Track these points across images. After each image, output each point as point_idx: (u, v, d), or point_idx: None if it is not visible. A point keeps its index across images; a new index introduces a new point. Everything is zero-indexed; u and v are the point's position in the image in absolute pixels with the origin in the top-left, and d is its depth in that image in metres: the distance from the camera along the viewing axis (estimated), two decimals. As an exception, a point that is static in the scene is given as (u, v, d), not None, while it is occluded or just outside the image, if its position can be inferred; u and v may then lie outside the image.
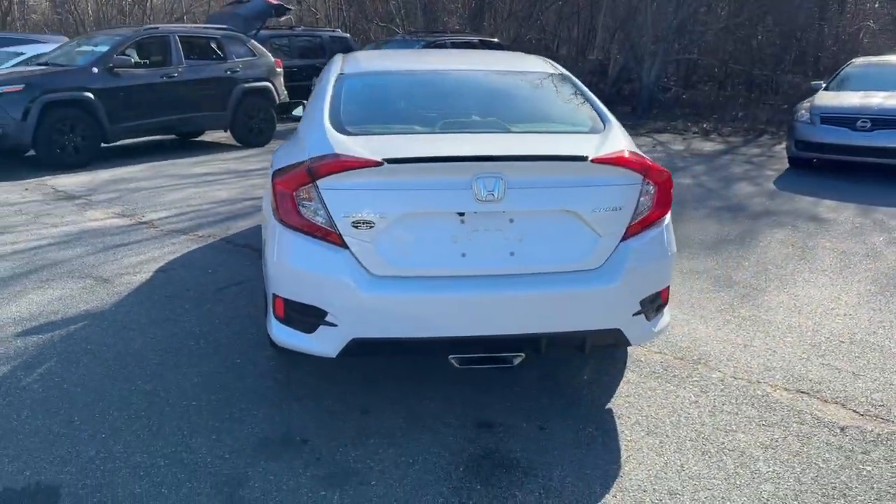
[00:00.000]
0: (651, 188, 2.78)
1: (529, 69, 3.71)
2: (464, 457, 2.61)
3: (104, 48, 9.35)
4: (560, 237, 2.65)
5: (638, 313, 2.74)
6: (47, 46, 11.29)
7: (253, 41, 10.93)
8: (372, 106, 3.29)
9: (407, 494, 2.40)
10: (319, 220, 2.58)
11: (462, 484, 2.45)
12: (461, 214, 2.58)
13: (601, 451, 2.66)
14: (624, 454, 2.65)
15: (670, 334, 3.70)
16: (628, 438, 2.76)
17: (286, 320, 2.71)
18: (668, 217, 2.89)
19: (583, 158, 2.62)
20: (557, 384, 3.17)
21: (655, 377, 3.26)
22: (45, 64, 9.44)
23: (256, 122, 10.88)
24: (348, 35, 16.39)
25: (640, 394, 3.10)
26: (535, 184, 2.61)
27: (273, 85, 11.03)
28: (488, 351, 2.66)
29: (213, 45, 10.52)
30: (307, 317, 2.64)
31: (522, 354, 2.69)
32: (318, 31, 16.12)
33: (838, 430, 2.83)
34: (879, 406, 3.02)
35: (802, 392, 3.14)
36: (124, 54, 9.38)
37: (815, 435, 2.79)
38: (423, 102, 3.38)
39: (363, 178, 2.56)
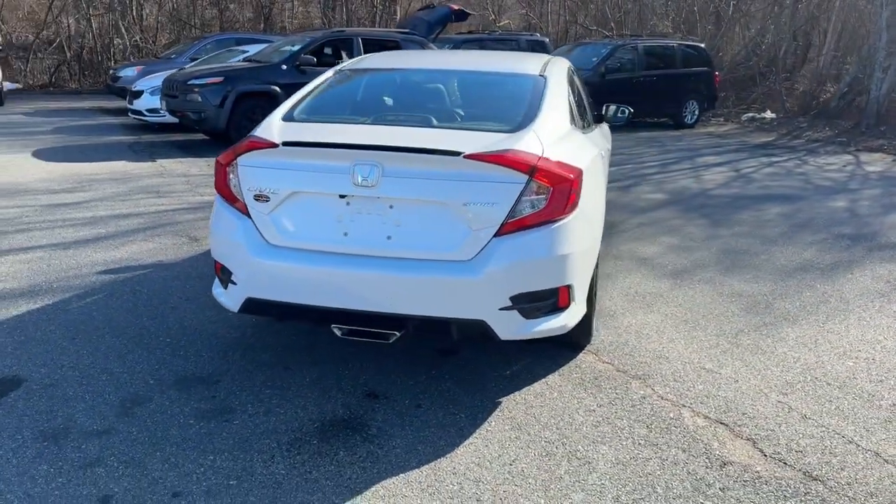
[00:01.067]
0: (544, 189, 2.80)
1: (517, 71, 3.78)
2: (329, 417, 2.87)
3: (296, 48, 10.66)
4: (433, 226, 2.79)
5: (508, 309, 2.78)
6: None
7: (430, 44, 11.67)
8: (336, 98, 3.63)
9: (249, 432, 2.74)
10: (234, 191, 3.00)
11: (304, 437, 2.72)
12: (343, 197, 2.84)
13: (450, 435, 2.76)
14: (469, 441, 2.72)
15: (636, 347, 3.58)
16: (488, 429, 2.82)
17: (218, 278, 3.18)
18: (567, 219, 2.86)
19: (455, 154, 2.74)
20: (477, 374, 3.27)
21: (579, 383, 3.22)
22: (248, 60, 11.00)
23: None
24: (547, 39, 16.59)
25: (547, 395, 3.10)
26: (411, 174, 2.78)
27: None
28: (364, 325, 2.88)
29: (393, 47, 11.41)
30: (223, 275, 3.08)
31: (397, 333, 2.88)
32: (517, 34, 16.53)
33: (717, 465, 2.62)
34: (795, 451, 2.72)
35: (721, 423, 2.91)
36: (312, 54, 10.58)
37: (685, 463, 2.62)
38: (383, 97, 3.65)
39: (266, 158, 2.93)
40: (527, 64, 3.84)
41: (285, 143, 2.88)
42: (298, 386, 3.12)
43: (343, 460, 2.58)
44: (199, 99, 9.89)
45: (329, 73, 3.89)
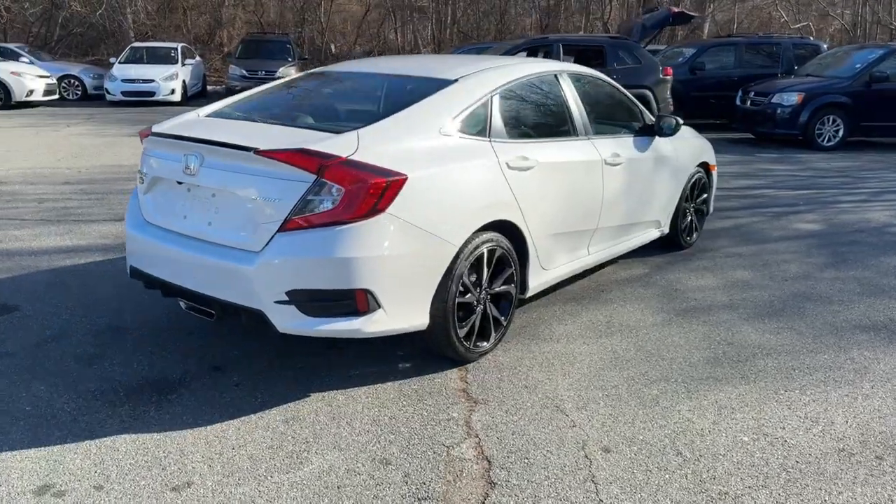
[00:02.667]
0: (337, 190, 2.83)
1: (432, 75, 3.67)
2: (164, 379, 3.23)
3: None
4: (237, 217, 2.99)
5: (285, 303, 2.87)
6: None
7: (641, 49, 11.13)
8: (266, 97, 3.91)
9: (103, 377, 3.21)
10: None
11: (133, 391, 3.12)
12: (181, 183, 3.18)
13: (223, 404, 2.94)
14: (241, 424, 2.88)
15: (501, 363, 3.34)
16: (270, 419, 2.94)
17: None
18: (365, 222, 2.83)
19: (249, 149, 2.90)
20: (325, 370, 3.36)
21: (398, 393, 3.14)
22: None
23: (627, 127, 11.11)
24: (821, 42, 14.54)
25: (357, 402, 3.09)
26: (222, 166, 3.01)
27: (652, 93, 11.06)
28: (193, 302, 3.20)
29: (597, 53, 11.15)
30: (128, 246, 3.62)
31: (213, 312, 3.14)
32: (782, 37, 14.76)
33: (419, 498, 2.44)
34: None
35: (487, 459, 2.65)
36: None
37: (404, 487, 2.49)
38: (298, 98, 3.84)
39: (147, 145, 3.39)
40: (457, 69, 3.73)
41: (152, 133, 3.30)
42: (168, 350, 3.52)
43: (146, 414, 2.91)
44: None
45: (295, 76, 4.21)
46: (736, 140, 12.58)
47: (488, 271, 3.41)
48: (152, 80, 17.06)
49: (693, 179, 5.32)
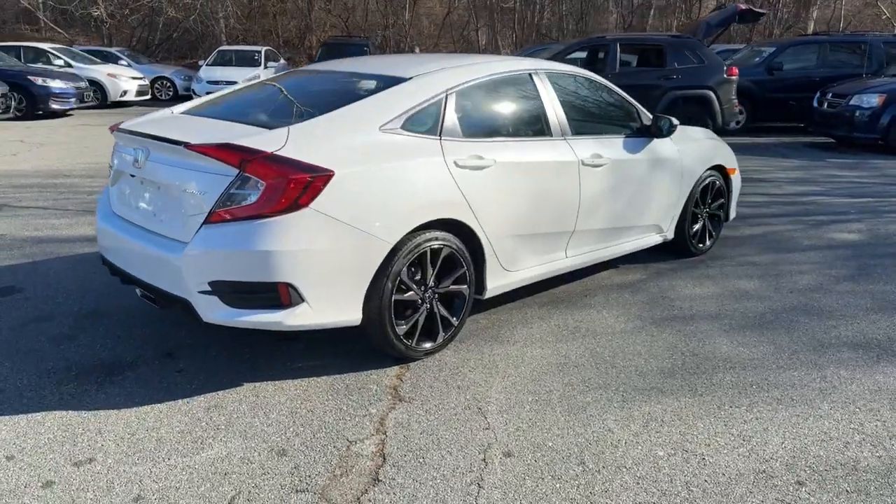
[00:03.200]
0: (259, 183, 2.91)
1: (389, 73, 3.68)
2: (116, 362, 3.41)
3: (550, 56, 10.90)
4: (174, 208, 3.11)
5: (208, 293, 2.97)
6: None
7: (705, 48, 10.71)
8: (242, 96, 4.02)
9: (61, 355, 3.43)
10: (111, 163, 3.73)
11: (86, 371, 3.32)
12: (133, 176, 3.35)
13: (159, 388, 3.07)
14: (160, 394, 3.01)
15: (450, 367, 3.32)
16: (192, 409, 3.05)
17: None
18: (287, 216, 2.88)
19: (180, 143, 3.02)
20: (271, 350, 3.45)
21: (342, 389, 3.19)
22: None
23: (686, 130, 10.72)
24: (918, 41, 13.48)
25: (293, 401, 3.16)
26: (162, 160, 3.15)
27: (715, 94, 10.63)
28: (143, 289, 3.35)
29: (657, 53, 10.82)
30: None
31: (157, 300, 3.28)
32: (871, 34, 13.78)
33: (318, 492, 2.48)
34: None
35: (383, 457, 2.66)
36: (566, 61, 10.71)
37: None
38: (261, 97, 3.94)
39: (116, 140, 3.59)
40: (417, 68, 3.72)
41: (118, 129, 3.48)
42: (133, 335, 3.69)
43: (86, 393, 3.08)
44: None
45: (277, 75, 4.32)
46: (813, 144, 11.88)
47: (433, 270, 3.39)
48: (235, 82, 17.81)
49: (705, 183, 5.08)
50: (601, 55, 10.86)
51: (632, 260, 5.14)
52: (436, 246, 3.35)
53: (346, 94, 3.62)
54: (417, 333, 3.41)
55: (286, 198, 2.89)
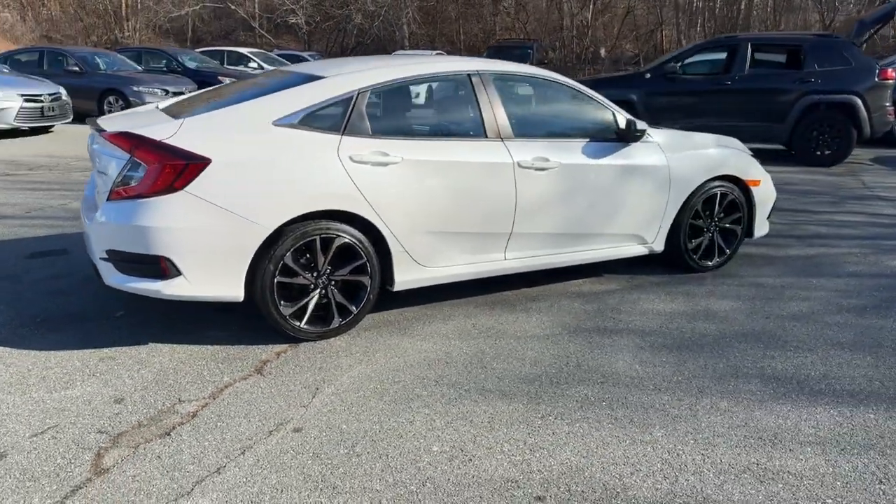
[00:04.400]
0: (143, 167, 3.37)
1: (322, 73, 3.88)
2: (73, 312, 4.06)
3: (671, 55, 10.41)
4: (102, 189, 3.65)
5: (105, 260, 3.46)
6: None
7: (854, 48, 9.60)
8: (211, 93, 4.47)
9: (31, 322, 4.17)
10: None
11: (41, 315, 4.01)
12: (93, 164, 3.95)
13: (79, 337, 3.63)
14: (74, 341, 3.57)
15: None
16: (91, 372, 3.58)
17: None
18: (164, 197, 3.27)
19: (102, 130, 3.55)
20: (206, 317, 3.90)
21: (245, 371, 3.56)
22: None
23: (825, 139, 9.75)
24: None
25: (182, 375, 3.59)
26: (100, 149, 3.67)
27: (863, 99, 9.52)
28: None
29: (794, 53, 9.90)
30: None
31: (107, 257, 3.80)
32: None
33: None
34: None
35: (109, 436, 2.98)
36: (693, 61, 10.21)
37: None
38: (226, 91, 4.31)
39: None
40: (341, 68, 3.93)
41: (93, 126, 4.11)
42: (113, 294, 4.31)
43: (36, 335, 3.77)
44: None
45: (263, 72, 4.76)
46: None
47: (325, 258, 3.61)
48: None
49: (708, 195, 4.72)
50: (729, 56, 10.11)
51: (622, 270, 4.92)
52: (327, 235, 3.57)
53: (269, 90, 3.93)
54: (307, 316, 3.64)
55: (162, 180, 3.29)
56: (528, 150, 4.09)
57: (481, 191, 3.96)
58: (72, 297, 4.25)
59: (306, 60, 21.27)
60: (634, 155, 4.43)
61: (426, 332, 3.84)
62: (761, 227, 5.12)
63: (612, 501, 2.41)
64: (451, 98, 4.07)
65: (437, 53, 19.68)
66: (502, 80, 4.21)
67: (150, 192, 3.30)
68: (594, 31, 25.01)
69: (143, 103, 12.32)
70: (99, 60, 15.38)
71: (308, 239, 3.54)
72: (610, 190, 4.36)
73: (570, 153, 4.23)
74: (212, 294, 3.46)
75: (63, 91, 12.45)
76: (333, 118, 3.67)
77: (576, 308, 4.23)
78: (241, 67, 18.61)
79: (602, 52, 25.60)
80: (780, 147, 10.51)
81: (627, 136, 4.38)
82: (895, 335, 3.85)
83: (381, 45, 24.68)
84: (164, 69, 16.51)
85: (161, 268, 3.36)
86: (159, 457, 2.64)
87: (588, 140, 4.34)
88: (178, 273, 3.37)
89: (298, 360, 3.48)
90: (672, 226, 4.70)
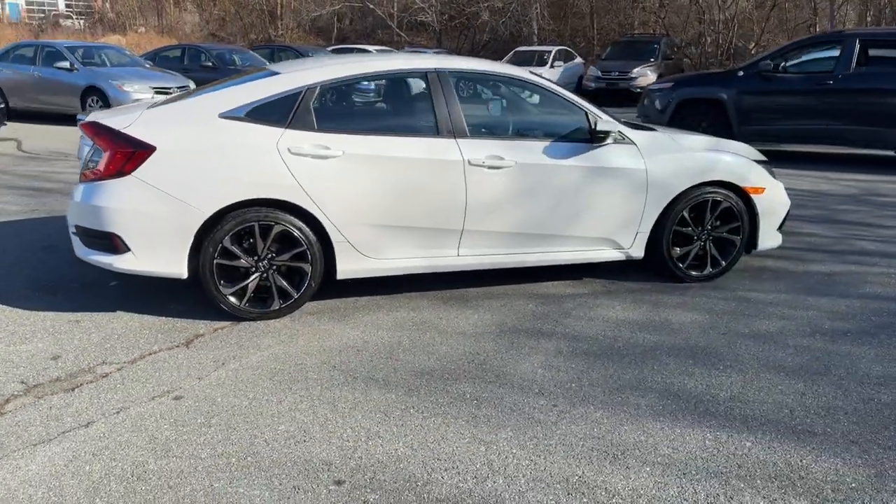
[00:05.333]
0: (101, 153, 3.79)
1: (275, 70, 4.13)
2: (64, 280, 4.61)
3: (767, 53, 9.74)
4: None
5: (75, 234, 3.92)
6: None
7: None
8: (199, 90, 4.82)
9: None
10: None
11: (43, 282, 4.60)
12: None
13: (58, 299, 4.15)
14: (46, 301, 4.08)
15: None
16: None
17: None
18: (114, 181, 3.65)
19: (77, 121, 4.02)
20: (174, 289, 4.31)
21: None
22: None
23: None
24: None
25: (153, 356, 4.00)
26: (84, 136, 4.19)
27: None
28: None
29: (906, 48, 8.93)
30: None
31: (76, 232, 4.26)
32: None
33: (19, 380, 3.31)
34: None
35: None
36: (794, 60, 9.53)
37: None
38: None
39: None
40: (302, 64, 4.15)
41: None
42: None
43: (31, 297, 4.37)
44: (646, 103, 10.38)
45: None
46: None
47: (264, 244, 3.86)
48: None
49: (697, 201, 4.48)
50: (833, 53, 9.25)
51: (604, 274, 4.78)
52: (266, 223, 3.82)
53: (232, 85, 4.22)
54: (247, 297, 3.91)
55: (114, 165, 3.68)
56: (483, 149, 4.10)
57: (428, 187, 4.03)
58: (81, 267, 4.78)
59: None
60: (605, 156, 4.30)
61: (362, 321, 3.98)
62: (768, 239, 4.75)
63: (403, 493, 2.45)
64: (404, 95, 4.17)
65: (437, 52, 19.45)
66: (465, 79, 4.25)
67: (106, 175, 3.70)
68: (740, 26, 23.55)
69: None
70: (235, 57, 16.73)
71: (247, 225, 3.80)
72: (575, 191, 4.27)
73: (530, 153, 4.18)
74: (157, 270, 3.82)
75: (192, 84, 13.67)
76: (280, 112, 3.90)
77: (527, 309, 4.18)
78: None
79: (751, 47, 24.05)
80: (890, 154, 9.50)
81: (594, 138, 4.25)
82: (853, 364, 3.49)
83: (511, 42, 24.72)
84: (198, 67, 17.59)
85: (114, 244, 3.76)
86: (51, 408, 3.00)
87: (553, 140, 4.26)
88: (127, 249, 3.75)
89: (227, 337, 3.75)
90: (653, 232, 4.49)
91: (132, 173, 3.67)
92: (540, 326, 3.93)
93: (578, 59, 21.61)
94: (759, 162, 4.80)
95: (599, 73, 18.36)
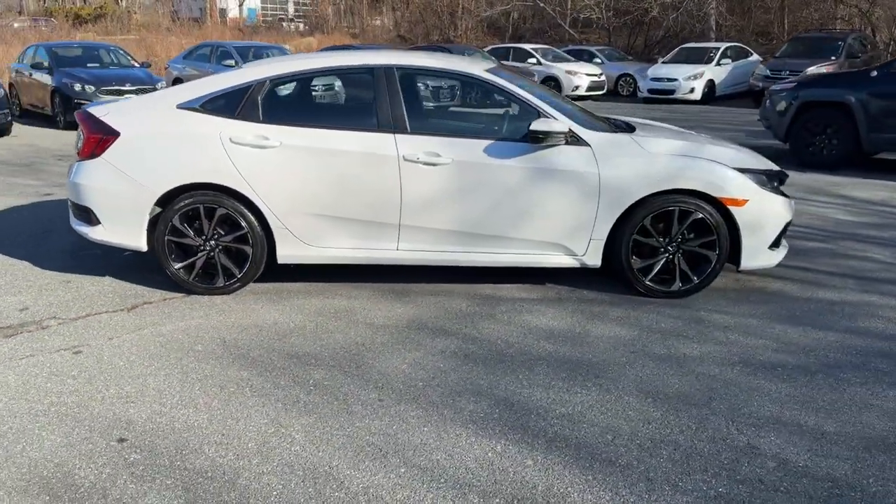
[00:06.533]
0: (83, 137, 4.38)
1: (243, 66, 4.44)
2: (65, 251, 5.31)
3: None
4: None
5: (69, 208, 4.56)
6: None
7: None
8: None
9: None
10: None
11: (62, 251, 5.34)
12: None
13: (64, 259, 4.84)
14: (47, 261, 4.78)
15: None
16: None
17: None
18: (88, 161, 4.21)
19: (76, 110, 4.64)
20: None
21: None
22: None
23: None
24: None
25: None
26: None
27: None
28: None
29: None
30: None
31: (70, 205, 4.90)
32: None
33: None
34: None
35: (35, 329, 3.91)
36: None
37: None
38: None
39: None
40: (265, 60, 4.44)
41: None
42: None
43: (55, 251, 5.15)
44: (767, 105, 9.50)
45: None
46: None
47: (209, 224, 4.23)
48: (675, 80, 17.95)
49: (660, 210, 4.16)
50: None
51: (569, 282, 4.57)
52: (210, 205, 4.18)
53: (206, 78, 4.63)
54: (195, 272, 4.30)
55: (88, 148, 4.24)
56: (420, 145, 4.13)
57: (363, 180, 4.15)
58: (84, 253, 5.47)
59: (594, 55, 21.33)
60: (553, 158, 4.13)
61: (291, 305, 4.20)
62: (755, 257, 4.26)
63: (162, 457, 2.64)
64: (350, 90, 4.31)
65: (471, 52, 18.38)
66: (414, 76, 4.30)
67: (84, 157, 4.27)
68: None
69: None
70: (268, 54, 17.42)
71: (194, 206, 4.18)
72: (519, 193, 4.15)
73: (469, 151, 4.13)
74: (121, 242, 4.32)
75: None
76: (230, 104, 4.23)
77: (455, 308, 4.15)
78: (518, 63, 19.49)
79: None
80: None
81: (531, 138, 4.08)
82: (745, 402, 3.09)
83: (686, 39, 23.39)
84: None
85: (90, 217, 4.32)
86: (-20, 348, 3.57)
87: (497, 139, 4.17)
88: (98, 222, 4.29)
89: (168, 306, 4.16)
90: (609, 240, 4.23)
91: (101, 155, 4.19)
92: (451, 326, 3.90)
93: (754, 57, 19.92)
94: (766, 172, 4.31)
95: (768, 72, 16.81)
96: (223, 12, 49.98)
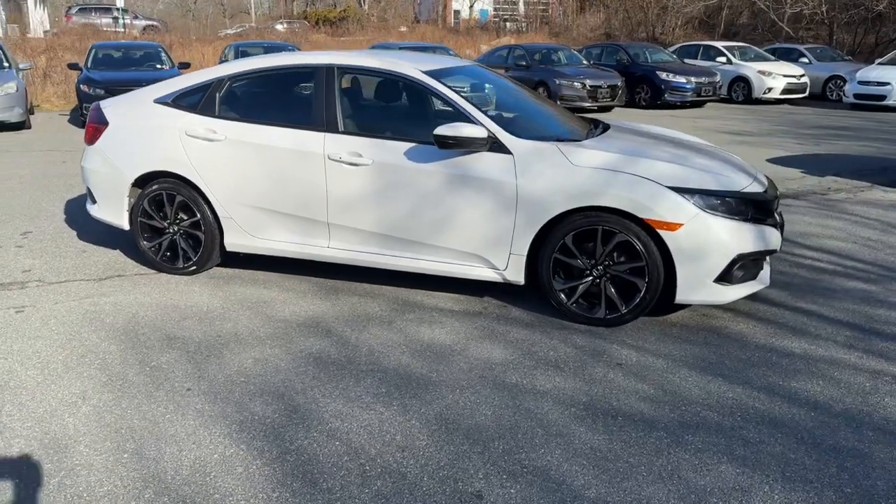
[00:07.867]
0: (87, 125, 5.03)
1: (218, 66, 4.73)
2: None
3: None
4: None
5: (92, 202, 5.24)
6: None
7: None
8: None
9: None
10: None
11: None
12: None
13: (58, 254, 5.57)
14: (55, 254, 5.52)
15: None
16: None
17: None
18: (88, 147, 4.83)
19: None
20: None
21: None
22: None
23: None
24: None
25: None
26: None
27: None
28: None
29: None
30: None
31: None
32: None
33: None
34: None
35: None
36: None
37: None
38: None
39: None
40: (236, 61, 4.72)
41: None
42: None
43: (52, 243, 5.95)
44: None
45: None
46: None
47: (171, 209, 4.65)
48: (887, 84, 15.56)
49: (581, 229, 3.80)
50: None
51: (504, 297, 4.31)
52: (170, 192, 4.59)
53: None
54: (161, 253, 4.74)
55: (89, 136, 4.86)
56: (345, 145, 4.16)
57: (294, 177, 4.28)
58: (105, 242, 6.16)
59: (802, 55, 19.12)
60: (470, 165, 3.93)
61: (224, 291, 4.44)
62: (694, 290, 3.69)
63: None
64: (295, 89, 4.42)
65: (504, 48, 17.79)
66: (351, 75, 4.32)
67: (87, 143, 4.89)
68: None
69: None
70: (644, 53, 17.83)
71: (158, 193, 4.61)
72: (436, 199, 4.02)
73: (390, 153, 4.08)
74: (109, 220, 4.87)
75: (619, 82, 15.67)
76: (194, 99, 4.58)
77: (363, 310, 4.13)
78: (714, 61, 18.13)
79: None
80: None
81: (440, 143, 3.89)
82: (552, 446, 2.75)
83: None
84: (615, 63, 17.57)
85: (91, 195, 4.95)
86: (-40, 300, 4.29)
87: (422, 143, 4.06)
88: (94, 201, 4.90)
89: (130, 281, 4.64)
90: (530, 256, 3.94)
91: (96, 143, 4.77)
92: (339, 328, 3.89)
93: None
94: (724, 194, 3.73)
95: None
96: (457, 14, 52.08)
